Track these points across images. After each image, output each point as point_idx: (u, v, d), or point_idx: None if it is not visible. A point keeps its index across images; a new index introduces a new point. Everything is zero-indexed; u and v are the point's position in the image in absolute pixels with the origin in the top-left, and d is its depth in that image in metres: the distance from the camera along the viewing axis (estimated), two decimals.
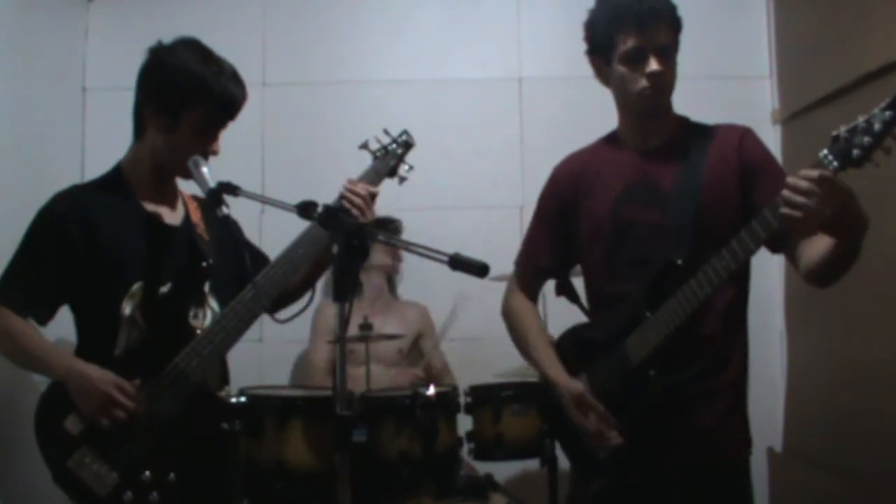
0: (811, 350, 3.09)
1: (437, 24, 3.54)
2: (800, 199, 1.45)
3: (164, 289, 1.94)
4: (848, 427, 2.70)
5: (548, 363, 1.94)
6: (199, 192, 1.89)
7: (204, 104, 1.90)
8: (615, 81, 1.85)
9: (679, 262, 1.73)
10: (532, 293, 2.08)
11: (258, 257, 2.15)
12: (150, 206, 1.98)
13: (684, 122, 1.91)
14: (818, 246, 1.65)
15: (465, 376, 3.13)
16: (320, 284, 2.26)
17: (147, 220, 1.96)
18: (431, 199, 3.38)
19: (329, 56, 3.51)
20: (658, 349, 1.75)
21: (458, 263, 1.55)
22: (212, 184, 1.81)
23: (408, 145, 2.21)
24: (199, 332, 1.92)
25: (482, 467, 2.80)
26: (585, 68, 1.94)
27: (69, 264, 1.89)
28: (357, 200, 1.98)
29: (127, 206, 1.96)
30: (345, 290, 1.56)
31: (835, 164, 1.43)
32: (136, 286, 1.90)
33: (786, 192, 1.47)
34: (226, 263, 2.04)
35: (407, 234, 1.67)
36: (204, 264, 1.98)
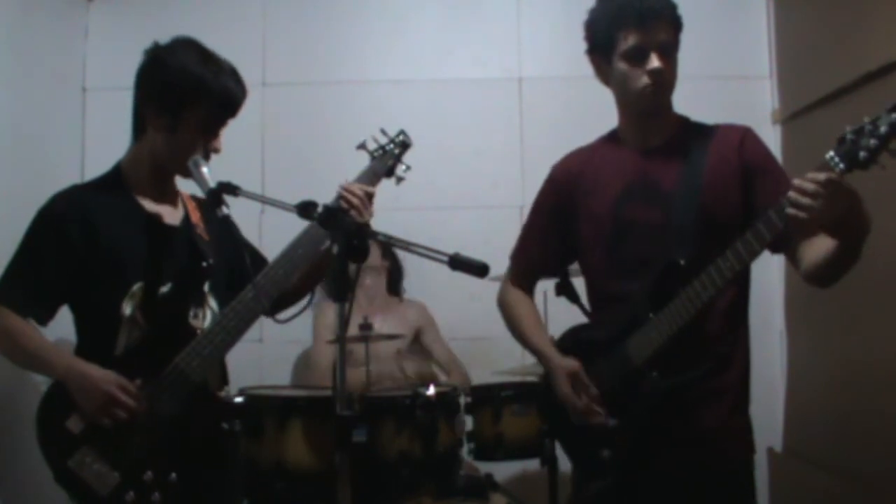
0: (811, 350, 3.09)
1: (436, 24, 3.54)
2: (806, 200, 1.46)
3: (165, 289, 1.94)
4: (848, 427, 2.70)
5: (542, 343, 1.97)
6: (199, 192, 1.89)
7: (204, 103, 1.90)
8: (616, 80, 1.84)
9: (682, 262, 1.73)
10: (526, 288, 2.08)
11: (257, 258, 2.15)
12: (149, 206, 1.98)
13: (684, 122, 1.91)
14: (819, 247, 1.65)
15: None
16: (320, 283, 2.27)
17: (147, 220, 1.96)
18: (431, 199, 3.38)
19: (329, 56, 3.51)
20: (660, 350, 1.74)
21: (458, 263, 1.55)
22: (212, 184, 1.82)
23: (405, 145, 2.21)
24: (199, 332, 1.92)
25: (482, 467, 2.80)
26: (585, 68, 1.94)
27: (69, 264, 1.89)
28: (354, 200, 1.98)
29: (127, 205, 1.96)
30: (344, 290, 1.56)
31: (841, 165, 1.43)
32: (137, 286, 1.90)
33: (792, 194, 1.48)
34: (225, 263, 2.05)
35: (407, 234, 1.67)
36: (204, 264, 1.98)
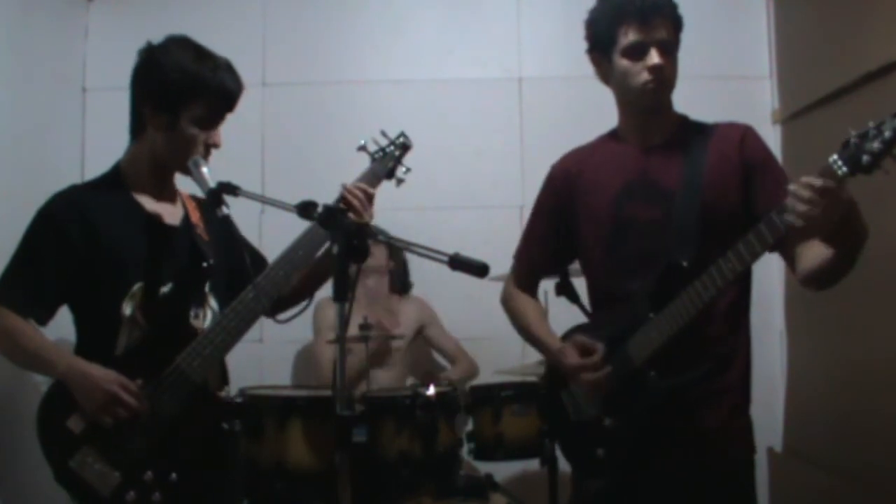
0: (811, 350, 3.09)
1: (437, 24, 3.54)
2: (802, 207, 1.46)
3: (165, 289, 1.94)
4: (848, 427, 2.70)
5: (546, 334, 1.97)
6: (198, 192, 1.89)
7: (202, 100, 1.90)
8: (616, 77, 1.84)
9: (685, 264, 1.73)
10: (528, 288, 2.08)
11: (256, 258, 2.15)
12: (149, 206, 1.98)
13: (684, 120, 1.91)
14: (815, 251, 1.65)
15: None
16: None
17: (147, 220, 1.96)
18: (431, 199, 3.38)
19: (329, 56, 3.51)
20: (660, 350, 1.74)
21: (458, 263, 1.55)
22: (212, 184, 1.82)
23: (405, 147, 2.21)
24: (199, 332, 1.92)
25: (482, 467, 2.80)
26: (585, 68, 1.94)
27: (69, 264, 1.88)
28: (355, 202, 1.98)
29: (126, 205, 1.96)
30: (345, 290, 1.56)
31: (844, 169, 1.42)
32: (137, 286, 1.90)
33: (788, 201, 1.48)
34: (225, 264, 2.05)
35: (407, 234, 1.67)
36: (204, 264, 1.98)
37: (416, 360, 3.30)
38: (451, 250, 1.57)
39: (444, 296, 3.24)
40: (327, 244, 1.97)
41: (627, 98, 1.86)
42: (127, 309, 1.89)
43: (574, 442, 1.95)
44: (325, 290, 2.47)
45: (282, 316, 1.94)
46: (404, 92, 3.47)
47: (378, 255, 3.20)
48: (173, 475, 1.86)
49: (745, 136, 1.82)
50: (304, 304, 1.96)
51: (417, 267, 3.29)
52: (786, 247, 1.75)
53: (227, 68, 1.94)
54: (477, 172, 3.45)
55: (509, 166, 3.42)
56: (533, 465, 2.72)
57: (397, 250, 3.26)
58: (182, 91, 1.89)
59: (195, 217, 2.06)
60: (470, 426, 2.67)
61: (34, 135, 2.90)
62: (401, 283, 3.32)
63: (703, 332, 1.75)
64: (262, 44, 3.50)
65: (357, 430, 1.59)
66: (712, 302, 1.68)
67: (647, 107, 1.84)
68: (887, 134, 1.38)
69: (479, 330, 3.19)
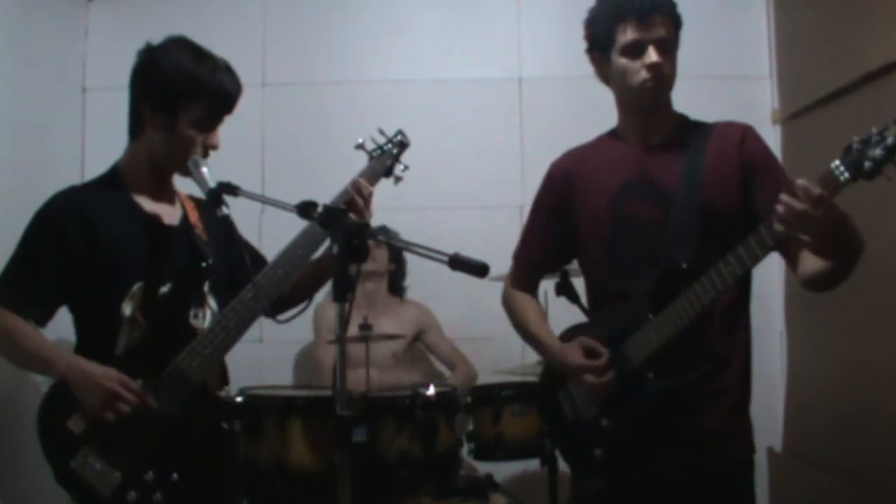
0: (811, 350, 3.09)
1: (437, 24, 3.54)
2: (791, 217, 1.46)
3: (164, 289, 1.94)
4: (848, 427, 2.70)
5: (546, 334, 1.97)
6: (197, 192, 1.89)
7: (201, 101, 1.90)
8: (615, 75, 1.84)
9: (684, 265, 1.73)
10: (528, 288, 2.08)
11: (256, 258, 2.15)
12: (148, 206, 1.98)
13: (683, 120, 1.91)
14: (814, 258, 1.66)
15: None
16: None
17: (146, 221, 1.96)
18: (431, 199, 3.38)
19: (329, 56, 3.51)
20: (659, 351, 1.74)
21: (458, 263, 1.55)
22: (212, 184, 1.82)
23: (403, 145, 2.21)
24: (199, 332, 1.92)
25: (482, 467, 2.80)
26: (585, 68, 1.94)
27: (68, 265, 1.88)
28: (360, 201, 1.98)
29: (125, 206, 1.96)
30: (344, 291, 1.56)
31: (846, 175, 1.42)
32: (137, 286, 1.90)
33: (778, 206, 1.48)
34: (225, 264, 2.04)
35: (407, 234, 1.67)
36: (204, 264, 1.98)
37: (413, 362, 3.30)
38: (451, 250, 1.56)
39: (444, 296, 3.24)
40: (327, 244, 1.97)
41: (626, 97, 1.86)
42: (127, 309, 1.89)
43: (572, 442, 1.95)
44: (326, 291, 2.48)
45: (282, 316, 1.93)
46: (404, 92, 3.47)
47: (379, 259, 3.21)
48: (174, 475, 1.86)
49: (744, 135, 1.82)
50: (304, 304, 1.96)
51: (417, 267, 3.29)
52: (788, 248, 1.75)
53: (226, 69, 1.95)
54: (477, 172, 3.45)
55: (509, 166, 3.42)
56: (533, 465, 2.73)
57: (397, 253, 3.27)
58: (181, 92, 1.88)
59: (194, 217, 2.06)
60: (470, 426, 2.67)
61: (34, 135, 2.90)
62: (399, 286, 3.33)
63: (701, 332, 1.74)
64: (262, 44, 3.50)
65: (357, 430, 1.58)
66: (711, 303, 1.68)
67: (646, 105, 1.84)
68: (890, 140, 1.37)
69: (479, 330, 3.19)
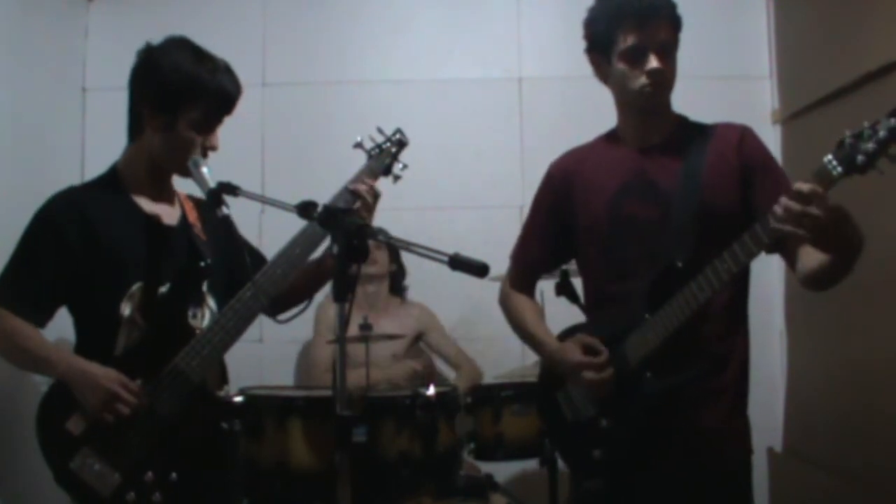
0: (811, 350, 3.09)
1: (437, 24, 3.54)
2: (789, 218, 1.46)
3: (163, 289, 1.94)
4: (848, 427, 2.70)
5: (544, 333, 1.97)
6: (196, 192, 1.89)
7: (201, 102, 1.90)
8: (615, 79, 1.84)
9: (680, 264, 1.73)
10: (525, 288, 2.08)
11: (256, 257, 2.15)
12: (147, 207, 1.98)
13: (682, 121, 1.91)
14: (814, 254, 1.65)
15: None
16: None
17: (146, 221, 1.96)
18: (431, 199, 3.38)
19: (329, 56, 3.51)
20: (656, 351, 1.74)
21: (458, 263, 1.54)
22: (212, 184, 1.82)
23: (401, 144, 2.21)
24: (197, 332, 1.92)
25: (482, 467, 2.80)
26: (585, 68, 1.94)
27: (67, 266, 1.88)
28: (369, 200, 1.99)
29: (124, 206, 1.96)
30: (344, 291, 1.56)
31: (839, 169, 1.43)
32: (136, 286, 1.90)
33: (777, 210, 1.48)
34: (224, 263, 2.04)
35: (407, 234, 1.67)
36: (202, 264, 1.98)
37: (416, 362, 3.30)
38: (451, 250, 1.56)
39: (444, 296, 3.24)
40: (326, 244, 1.97)
41: (626, 98, 1.86)
42: (126, 309, 1.89)
43: (570, 443, 1.95)
44: (326, 291, 2.49)
45: (282, 316, 1.93)
46: (404, 92, 3.47)
47: (381, 262, 3.20)
48: (173, 475, 1.86)
49: (743, 136, 1.82)
50: (304, 304, 1.95)
51: (417, 267, 3.29)
52: (786, 247, 1.75)
53: (225, 70, 1.95)
54: (477, 172, 3.45)
55: (509, 166, 3.42)
56: (533, 465, 2.72)
57: (397, 254, 3.27)
58: (180, 92, 1.89)
59: (193, 217, 2.06)
60: (470, 426, 2.67)
61: (34, 135, 2.90)
62: (400, 287, 3.33)
63: (698, 332, 1.74)
64: (262, 44, 3.50)
65: (357, 430, 1.58)
66: (708, 302, 1.68)
67: (646, 108, 1.84)
68: (882, 134, 1.38)
69: (479, 330, 3.19)
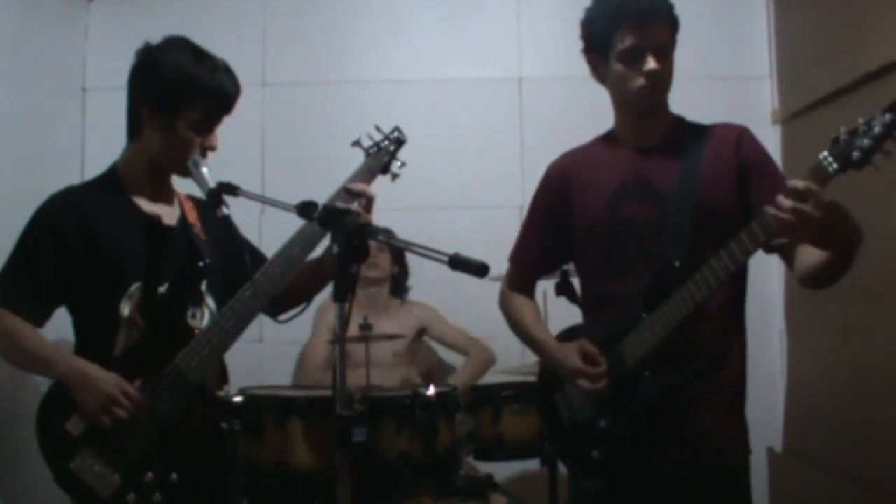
0: (811, 350, 3.09)
1: (437, 24, 3.54)
2: (785, 216, 1.46)
3: (162, 289, 1.94)
4: (848, 427, 2.70)
5: (542, 334, 1.97)
6: (196, 192, 1.89)
7: (200, 102, 1.90)
8: (612, 79, 1.84)
9: (676, 264, 1.73)
10: (524, 289, 2.08)
11: (257, 257, 2.14)
12: (146, 207, 1.98)
13: (680, 121, 1.91)
14: (812, 253, 1.65)
15: None
16: None
17: (145, 221, 1.96)
18: (431, 199, 3.38)
19: (329, 56, 3.51)
20: (654, 350, 1.74)
21: (458, 263, 1.55)
22: (212, 184, 1.82)
23: (400, 142, 2.20)
24: (197, 332, 1.92)
25: (482, 467, 2.80)
26: (585, 68, 1.94)
27: (66, 266, 1.88)
28: (368, 194, 1.99)
29: (124, 206, 1.95)
30: (344, 291, 1.56)
31: (834, 165, 1.43)
32: (135, 286, 1.90)
33: (772, 209, 1.48)
34: (223, 263, 2.04)
35: (407, 235, 1.67)
36: (201, 264, 1.98)
37: (417, 361, 3.30)
38: (451, 250, 1.56)
39: (444, 296, 3.24)
40: (326, 244, 1.97)
41: (623, 99, 1.86)
42: (125, 309, 1.89)
43: (569, 444, 1.95)
44: (327, 292, 2.50)
45: (282, 316, 1.94)
46: (404, 92, 3.47)
47: (383, 265, 3.20)
48: (173, 476, 1.86)
49: (740, 137, 1.82)
50: (303, 304, 1.95)
51: (417, 267, 3.29)
52: (784, 247, 1.74)
53: (225, 70, 1.94)
54: (477, 172, 3.45)
55: (509, 166, 3.42)
56: (533, 465, 2.73)
57: (400, 255, 3.27)
58: (180, 92, 1.88)
59: (192, 217, 2.06)
60: (470, 426, 2.67)
61: (34, 135, 2.90)
62: (401, 288, 3.33)
63: (696, 331, 1.74)
64: (262, 44, 3.50)
65: (357, 430, 1.58)
66: (705, 302, 1.68)
67: (643, 108, 1.84)
68: (877, 130, 1.38)
69: (479, 330, 3.19)
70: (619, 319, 1.81)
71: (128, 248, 1.92)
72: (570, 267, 2.11)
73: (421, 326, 3.27)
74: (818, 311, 2.94)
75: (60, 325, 1.97)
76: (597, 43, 1.85)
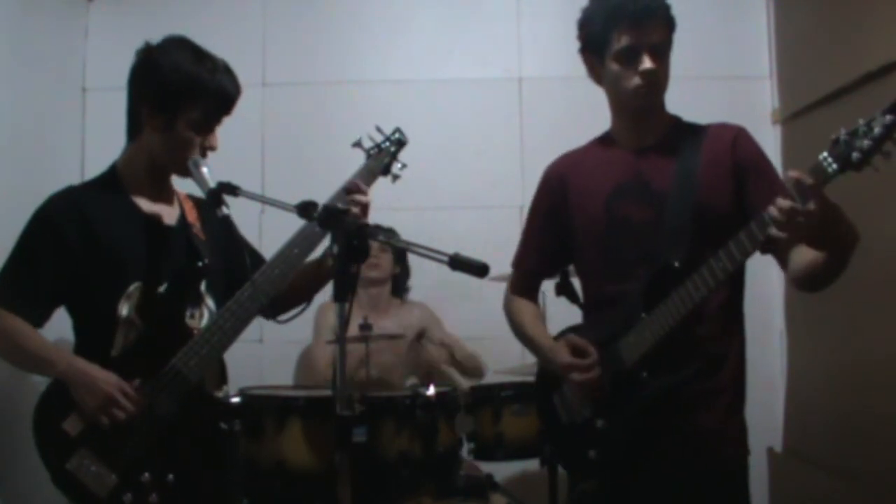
0: (811, 350, 3.09)
1: (437, 24, 3.54)
2: (784, 218, 1.46)
3: (161, 289, 1.93)
4: (848, 427, 2.70)
5: (540, 334, 1.97)
6: (196, 192, 1.89)
7: (200, 102, 1.90)
8: (608, 79, 1.84)
9: (676, 264, 1.73)
10: (527, 292, 2.08)
11: (256, 258, 2.14)
12: (146, 206, 1.98)
13: (677, 122, 1.91)
14: (808, 253, 1.65)
15: None
16: None
17: (145, 221, 1.96)
18: (431, 199, 3.38)
19: (329, 56, 3.51)
20: (652, 351, 1.74)
21: (458, 263, 1.55)
22: (212, 184, 1.82)
23: (400, 143, 2.20)
24: (195, 332, 1.92)
25: (482, 467, 2.80)
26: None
27: (66, 266, 1.88)
28: (363, 200, 1.99)
29: (124, 206, 1.96)
30: (344, 291, 1.56)
31: (834, 166, 1.43)
32: (134, 286, 1.90)
33: (772, 210, 1.48)
34: (222, 263, 2.04)
35: (407, 235, 1.68)
36: (200, 264, 1.98)
37: (416, 362, 3.30)
38: (451, 250, 1.56)
39: (444, 296, 3.24)
40: (326, 244, 1.97)
41: (619, 99, 1.86)
42: (124, 309, 1.89)
43: (567, 444, 1.94)
44: (327, 293, 2.50)
45: (282, 317, 1.94)
46: (404, 92, 3.47)
47: (384, 266, 3.20)
48: (170, 476, 1.86)
49: (737, 137, 1.82)
50: (303, 305, 1.95)
51: (417, 267, 3.29)
52: (778, 248, 1.74)
53: (225, 70, 1.94)
54: (477, 172, 3.45)
55: (509, 166, 3.42)
56: (533, 465, 2.73)
57: (402, 256, 3.27)
58: (180, 92, 1.89)
59: (192, 216, 2.06)
60: (470, 426, 2.67)
61: (34, 135, 2.90)
62: (402, 288, 3.33)
63: (694, 332, 1.74)
64: (262, 44, 3.51)
65: (357, 430, 1.58)
66: (704, 302, 1.68)
67: (639, 108, 1.84)
68: (877, 131, 1.38)
69: (479, 330, 3.18)
70: (618, 319, 1.81)
71: (127, 248, 1.92)
72: (570, 267, 2.11)
73: (421, 327, 3.27)
74: (818, 311, 2.94)
75: (60, 325, 1.97)
76: (593, 43, 1.85)
